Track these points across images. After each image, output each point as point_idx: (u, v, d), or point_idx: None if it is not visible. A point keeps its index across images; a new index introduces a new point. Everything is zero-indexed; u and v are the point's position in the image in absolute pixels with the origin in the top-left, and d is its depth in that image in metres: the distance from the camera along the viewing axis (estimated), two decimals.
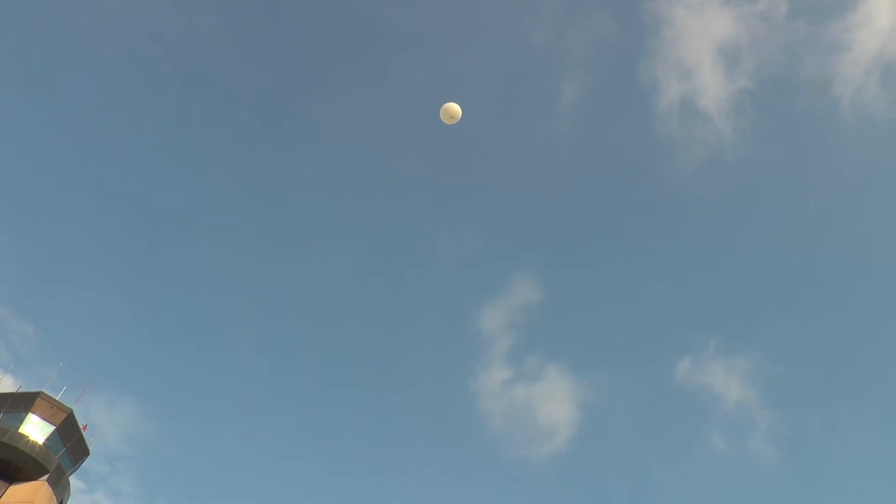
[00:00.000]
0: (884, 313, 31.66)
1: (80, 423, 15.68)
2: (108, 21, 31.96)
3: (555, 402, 33.59)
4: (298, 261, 34.41)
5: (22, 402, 15.14)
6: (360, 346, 34.44)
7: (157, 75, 32.92)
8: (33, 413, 15.01)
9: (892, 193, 31.27)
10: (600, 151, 33.50)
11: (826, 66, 30.17)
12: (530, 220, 34.15)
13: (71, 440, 15.44)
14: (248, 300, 33.91)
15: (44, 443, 14.86)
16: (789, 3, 30.86)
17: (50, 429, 15.05)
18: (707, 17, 32.22)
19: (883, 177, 30.86)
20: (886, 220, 30.74)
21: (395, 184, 34.06)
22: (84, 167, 32.63)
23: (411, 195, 34.30)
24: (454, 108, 11.45)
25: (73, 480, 15.84)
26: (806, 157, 32.41)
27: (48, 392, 15.43)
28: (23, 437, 14.65)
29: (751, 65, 30.84)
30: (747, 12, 31.40)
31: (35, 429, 14.94)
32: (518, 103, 33.66)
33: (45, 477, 14.71)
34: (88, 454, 15.93)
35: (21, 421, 14.92)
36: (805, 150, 31.74)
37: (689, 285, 34.08)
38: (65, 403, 15.50)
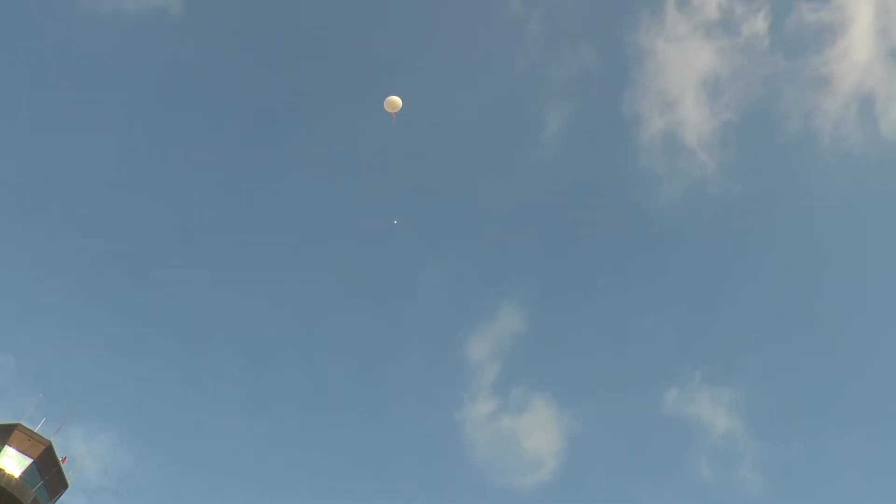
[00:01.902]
0: (868, 341, 31.94)
1: (59, 455, 15.42)
2: (91, 42, 32.15)
3: (541, 432, 33.47)
4: (282, 286, 34.34)
5: None
6: (344, 374, 34.28)
7: (139, 101, 33.06)
8: (10, 445, 14.71)
9: (870, 224, 31.78)
10: (585, 182, 33.86)
11: (805, 100, 30.78)
12: (517, 249, 34.34)
13: (49, 473, 15.15)
14: (232, 327, 33.73)
15: (20, 476, 14.56)
16: (770, 36, 31.50)
17: (27, 461, 14.76)
18: (689, 49, 32.79)
19: (861, 208, 31.37)
20: (866, 249, 31.16)
21: (381, 209, 34.09)
22: (63, 194, 32.53)
23: (399, 220, 34.26)
24: (395, 100, 14.48)
25: None
26: (786, 189, 32.91)
27: (26, 424, 15.17)
28: None
29: (732, 98, 31.40)
30: (728, 45, 32.01)
31: (12, 462, 14.64)
32: (504, 132, 34.03)
33: None
34: (67, 487, 15.62)
35: None
36: (785, 183, 32.28)
37: (675, 315, 34.27)
38: (43, 435, 15.23)
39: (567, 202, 34.24)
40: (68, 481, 15.61)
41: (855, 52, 31.40)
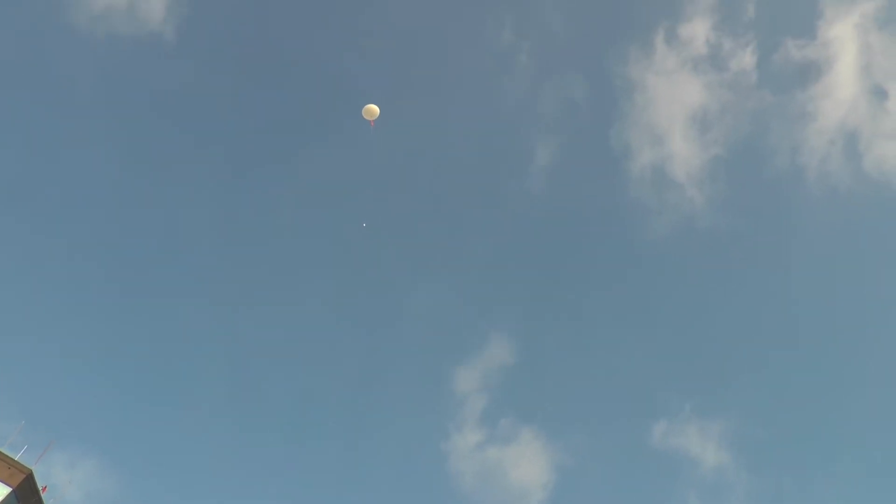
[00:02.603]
0: (857, 373, 32.03)
1: (40, 484, 15.23)
2: (86, 65, 32.23)
3: (528, 464, 33.28)
4: (269, 313, 34.18)
5: None
6: (330, 403, 34.08)
7: (131, 124, 33.06)
8: None
9: (855, 258, 32.11)
10: (574, 214, 34.04)
11: (792, 135, 31.22)
12: (505, 280, 34.39)
13: (29, 503, 14.97)
14: (217, 353, 33.51)
15: None
16: (757, 72, 31.97)
17: (6, 490, 14.54)
18: (677, 84, 33.22)
19: (846, 243, 31.72)
20: (851, 283, 31.42)
21: (370, 238, 34.17)
22: (50, 218, 32.40)
23: (386, 249, 34.44)
24: (373, 108, 15.82)
25: None
26: (773, 223, 33.19)
27: (7, 452, 15.01)
28: None
29: (720, 132, 31.79)
30: (716, 80, 32.47)
31: None
32: (493, 162, 34.23)
33: None
34: None
35: None
36: (773, 217, 32.55)
37: (664, 348, 34.31)
38: (24, 464, 15.06)
39: (556, 234, 34.45)
40: None
41: (840, 89, 31.95)
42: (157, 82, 32.85)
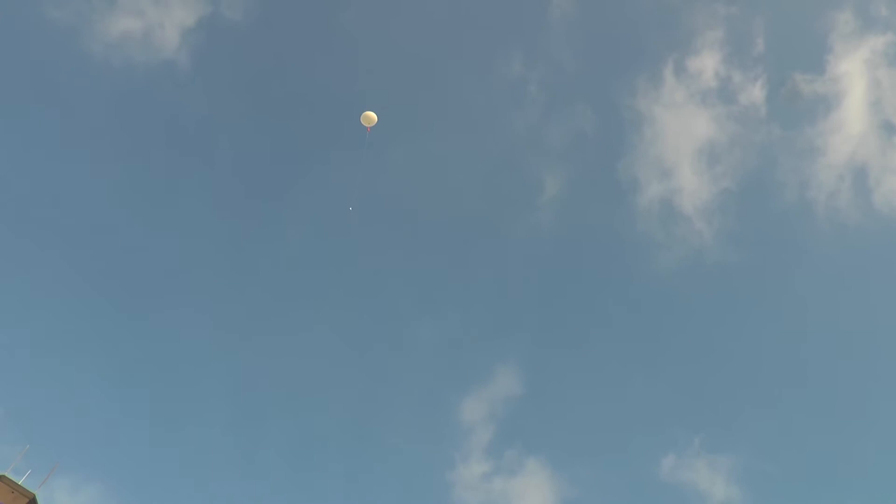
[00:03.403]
0: (867, 408, 31.67)
1: None
2: (97, 94, 32.69)
3: (534, 495, 32.90)
4: (274, 340, 34.19)
5: None
6: (335, 433, 33.88)
7: (142, 153, 33.42)
8: None
9: (864, 294, 31.94)
10: (582, 246, 34.03)
11: (801, 170, 31.27)
12: (513, 311, 34.29)
13: None
14: (222, 379, 33.43)
15: None
16: (766, 106, 32.09)
17: None
18: (686, 116, 33.36)
19: (855, 279, 31.60)
20: (860, 320, 31.28)
21: (377, 267, 34.27)
22: (59, 243, 32.61)
23: (393, 279, 34.50)
24: (371, 115, 16.48)
25: None
26: (782, 258, 33.07)
27: (11, 476, 15.06)
28: None
29: (729, 166, 31.82)
30: (725, 113, 32.60)
31: None
32: (500, 193, 34.35)
33: None
34: None
35: None
36: (781, 252, 32.47)
37: (673, 381, 34.04)
38: (28, 488, 15.11)
39: (563, 265, 34.41)
40: None
41: (849, 124, 31.99)
42: (171, 110, 33.33)
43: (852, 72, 33.62)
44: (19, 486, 14.95)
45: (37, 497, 15.00)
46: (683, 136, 33.24)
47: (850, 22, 33.29)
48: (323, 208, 35.81)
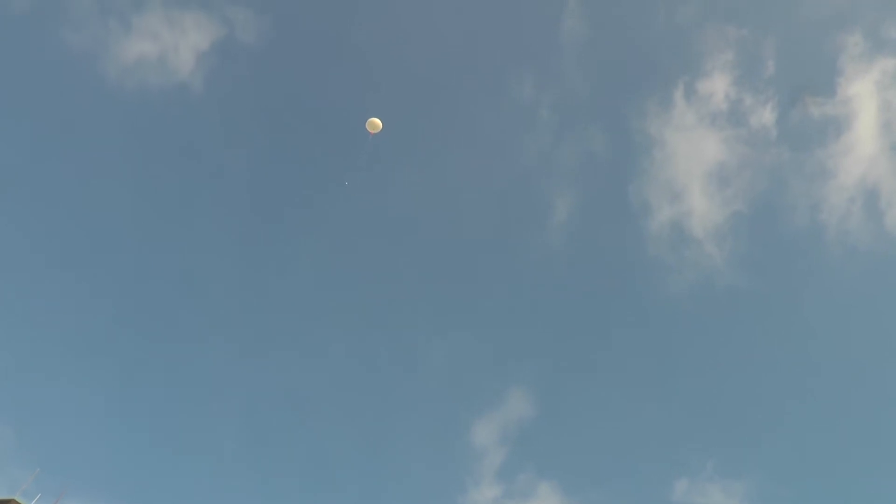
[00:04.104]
0: (881, 431, 31.27)
1: None
2: (117, 118, 33.10)
3: None
4: (284, 362, 34.26)
5: None
6: (345, 456, 33.81)
7: (153, 170, 33.73)
8: None
9: (876, 318, 31.67)
10: (593, 269, 33.96)
11: (811, 192, 31.17)
12: (524, 334, 34.23)
13: None
14: (233, 402, 33.51)
15: None
16: (777, 128, 32.06)
17: None
18: (696, 139, 33.36)
19: (867, 303, 31.33)
20: (873, 343, 31.02)
21: (387, 289, 34.35)
22: (73, 264, 32.90)
23: (404, 301, 34.56)
24: (376, 122, 16.88)
25: None
26: (793, 282, 32.87)
27: (20, 499, 15.17)
28: None
29: (739, 189, 31.75)
30: (736, 136, 32.58)
31: None
32: (511, 216, 34.42)
33: None
34: None
35: None
36: (792, 276, 32.27)
37: (685, 405, 33.80)
38: None
39: (574, 288, 34.35)
40: None
41: (859, 146, 31.86)
42: (186, 132, 33.69)
43: (863, 94, 33.57)
44: None
45: None
46: (694, 158, 33.27)
47: (860, 44, 33.30)
48: (337, 229, 36.07)
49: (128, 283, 33.43)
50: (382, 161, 35.81)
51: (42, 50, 33.09)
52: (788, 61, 33.81)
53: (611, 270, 34.10)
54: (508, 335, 35.43)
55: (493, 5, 34.36)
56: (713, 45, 34.46)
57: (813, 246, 32.23)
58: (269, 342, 34.44)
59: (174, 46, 35.07)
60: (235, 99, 36.18)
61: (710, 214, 34.47)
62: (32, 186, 32.91)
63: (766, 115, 32.56)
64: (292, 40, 35.37)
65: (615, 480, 35.39)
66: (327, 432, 35.68)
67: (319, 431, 36.13)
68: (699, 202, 34.35)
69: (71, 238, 33.72)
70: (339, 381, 34.54)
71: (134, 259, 33.78)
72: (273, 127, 35.20)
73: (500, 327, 35.63)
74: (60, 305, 33.28)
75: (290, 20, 34.48)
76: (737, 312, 32.96)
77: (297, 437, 35.16)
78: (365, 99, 34.51)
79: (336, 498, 34.09)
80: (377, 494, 34.39)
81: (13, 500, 15.05)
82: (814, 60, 35.06)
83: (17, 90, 31.65)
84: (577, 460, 36.79)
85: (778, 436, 34.36)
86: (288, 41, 35.34)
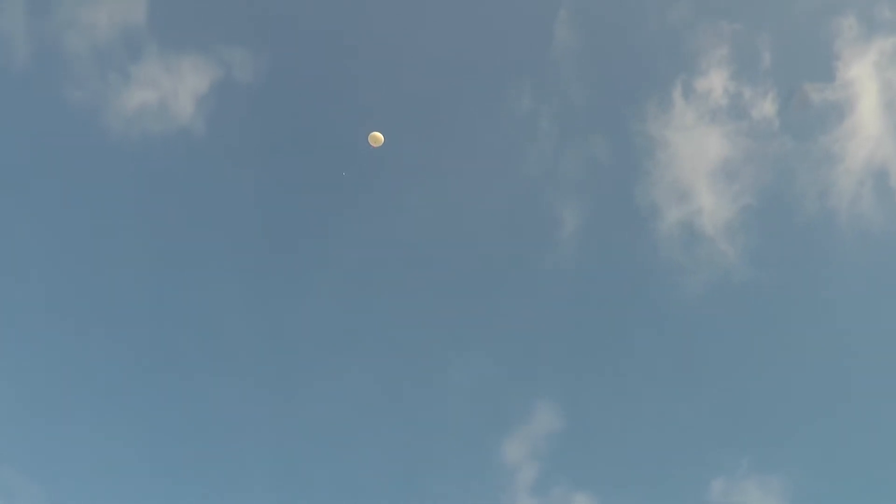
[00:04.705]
0: None
1: None
2: (118, 168, 33.40)
3: None
4: (307, 394, 34.21)
5: None
6: (378, 482, 33.70)
7: (162, 221, 34.00)
8: None
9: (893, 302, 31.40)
10: (607, 276, 33.76)
11: (819, 179, 31.00)
12: (544, 347, 34.06)
13: None
14: (258, 440, 33.45)
15: None
16: (779, 119, 31.98)
17: None
18: (699, 137, 33.27)
19: (888, 284, 31.04)
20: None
21: (402, 313, 34.38)
22: (79, 309, 33.06)
23: (420, 325, 34.54)
24: (378, 136, 16.89)
25: None
26: (809, 270, 32.58)
27: None
28: None
29: (746, 182, 31.64)
30: (738, 130, 32.49)
31: None
32: (520, 230, 34.38)
33: None
34: None
35: None
36: (808, 264, 32.00)
37: (714, 405, 33.45)
38: None
39: (590, 297, 34.15)
40: None
41: (863, 129, 31.64)
42: (191, 174, 33.94)
43: (862, 76, 33.37)
44: None
45: None
46: (698, 156, 33.14)
47: (855, 27, 33.15)
48: (347, 257, 36.04)
49: (142, 330, 33.55)
50: (388, 185, 35.96)
51: (44, 108, 33.50)
52: (784, 51, 33.72)
53: (625, 276, 33.94)
54: (529, 349, 35.29)
55: (483, 21, 34.47)
56: (707, 42, 34.41)
57: (826, 232, 32.01)
58: (289, 377, 34.39)
59: (174, 92, 35.36)
60: (238, 137, 36.34)
61: (720, 211, 34.32)
62: (43, 242, 33.28)
63: (766, 107, 32.45)
64: (289, 74, 35.55)
65: (650, 486, 35.08)
66: (357, 462, 35.56)
67: (349, 462, 36.02)
68: (707, 199, 34.21)
69: (84, 289, 33.96)
70: (363, 410, 34.44)
71: (148, 304, 33.89)
72: (277, 161, 35.35)
73: (521, 342, 35.50)
74: (77, 357, 33.45)
75: (285, 54, 34.70)
76: (756, 306, 32.70)
77: (327, 470, 35.07)
78: (366, 124, 34.57)
79: None
80: None
81: None
82: (810, 48, 34.92)
83: (22, 151, 32.08)
84: (611, 469, 36.50)
85: (810, 427, 33.95)
86: (285, 75, 35.52)
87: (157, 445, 32.90)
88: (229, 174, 34.95)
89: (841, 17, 33.27)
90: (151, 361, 33.34)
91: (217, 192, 34.59)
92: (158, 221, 33.98)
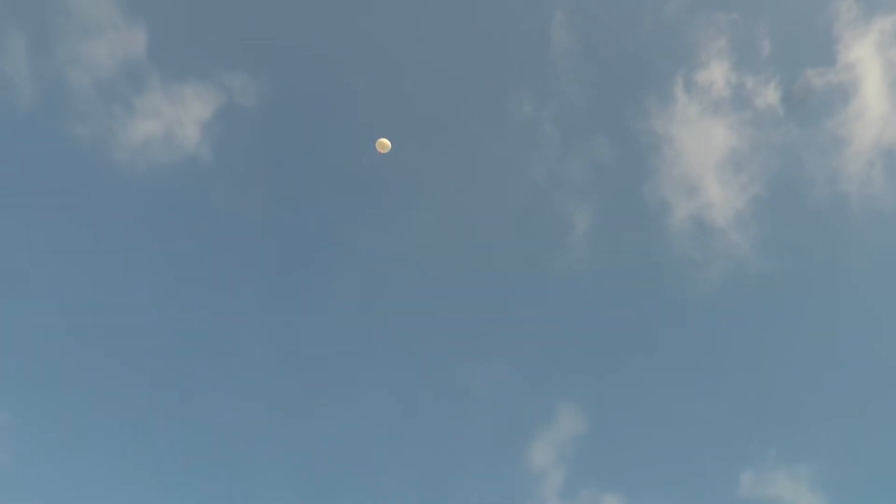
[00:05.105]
0: None
1: None
2: (127, 201, 33.63)
3: None
4: (327, 412, 34.21)
5: None
6: (402, 497, 33.68)
7: (173, 248, 34.21)
8: None
9: None
10: (621, 276, 33.65)
11: (828, 163, 30.83)
12: (563, 350, 33.98)
13: None
14: (280, 464, 33.59)
15: None
16: (783, 106, 31.83)
17: None
18: (703, 130, 33.17)
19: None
20: None
21: (418, 325, 34.39)
22: (93, 341, 33.35)
23: (437, 336, 34.55)
24: (386, 143, 17.23)
25: None
26: (824, 256, 32.37)
27: None
28: None
29: (755, 172, 31.48)
30: (742, 120, 32.33)
31: None
32: (530, 236, 34.34)
33: None
34: None
35: None
36: (822, 250, 31.79)
37: (736, 397, 33.29)
38: None
39: (606, 297, 34.07)
40: None
41: (869, 110, 31.41)
42: (199, 201, 34.14)
43: (864, 57, 33.19)
44: None
45: None
46: (704, 149, 33.02)
47: (853, 8, 32.99)
48: (357, 275, 36.26)
49: (158, 357, 33.76)
50: (396, 199, 36.08)
51: (51, 146, 33.91)
52: (784, 38, 33.60)
53: (639, 274, 33.85)
54: (548, 354, 35.24)
55: (478, 30, 34.55)
56: (705, 34, 34.36)
57: (839, 216, 31.83)
58: (308, 396, 34.49)
59: (178, 121, 35.69)
60: (244, 160, 36.63)
61: (730, 202, 34.18)
62: (59, 276, 33.60)
63: (769, 95, 32.33)
64: (290, 93, 35.82)
65: (679, 483, 34.91)
66: (381, 477, 35.58)
67: (373, 478, 36.04)
68: (717, 192, 34.07)
69: (99, 321, 34.27)
70: (384, 424, 34.45)
71: (164, 330, 34.14)
72: (283, 181, 35.60)
73: (539, 347, 35.46)
74: (93, 383, 33.74)
75: (285, 76, 34.95)
76: (772, 296, 32.55)
77: (352, 487, 35.12)
78: (370, 139, 34.76)
79: None
80: None
81: None
82: (809, 32, 34.80)
83: (33, 189, 32.48)
84: (638, 468, 36.36)
85: (835, 414, 33.72)
86: (286, 96, 35.83)
87: (176, 469, 32.98)
88: (238, 197, 35.21)
89: None
90: (168, 387, 33.44)
91: (227, 216, 34.80)
92: (171, 248, 34.19)
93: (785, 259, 31.94)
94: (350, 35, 34.66)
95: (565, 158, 34.21)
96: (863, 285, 31.95)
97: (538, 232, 34.60)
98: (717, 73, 33.22)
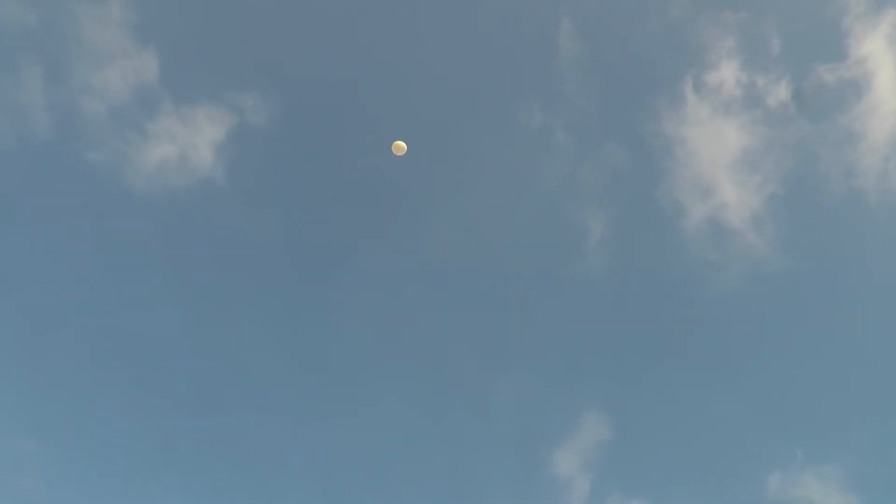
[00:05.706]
0: None
1: None
2: (145, 225, 33.87)
3: None
4: (349, 425, 34.15)
5: None
6: None
7: (190, 267, 34.35)
8: None
9: None
10: (639, 280, 33.53)
11: (843, 159, 30.61)
12: (585, 357, 33.86)
13: None
14: (299, 477, 33.60)
15: None
16: (795, 103, 31.67)
17: None
18: (715, 130, 33.04)
19: None
20: None
21: (438, 337, 34.38)
22: (114, 364, 33.46)
23: (457, 347, 34.51)
24: (402, 145, 17.39)
25: None
26: (843, 253, 32.13)
27: None
28: None
29: (769, 171, 31.34)
30: (754, 119, 32.21)
31: None
32: (547, 243, 34.29)
33: None
34: None
35: None
36: (840, 247, 31.57)
37: (760, 399, 32.99)
38: None
39: (625, 302, 33.89)
40: None
41: (882, 104, 31.18)
42: (216, 222, 34.35)
43: (876, 50, 32.95)
44: None
45: None
46: (717, 150, 32.88)
47: (862, 2, 32.74)
48: (374, 289, 36.27)
49: (177, 377, 33.86)
50: (412, 212, 36.12)
51: (68, 172, 34.29)
52: (793, 35, 33.45)
53: (657, 278, 33.66)
54: (569, 361, 35.08)
55: (487, 40, 34.67)
56: (713, 34, 34.26)
57: (856, 212, 31.54)
58: (329, 410, 34.50)
59: (192, 144, 36.02)
60: (258, 179, 36.82)
61: (745, 202, 33.96)
62: (77, 301, 33.90)
63: (781, 93, 32.15)
64: (301, 112, 36.06)
65: (706, 486, 34.55)
66: (406, 489, 35.52)
67: (398, 490, 35.98)
68: (731, 192, 33.87)
69: (120, 340, 34.42)
70: (407, 436, 34.40)
71: (182, 353, 34.21)
72: (297, 198, 35.74)
73: (560, 355, 35.29)
74: (117, 415, 33.88)
75: (295, 94, 35.20)
76: (791, 295, 32.26)
77: (374, 499, 35.07)
78: (382, 153, 34.82)
79: None
80: None
81: None
82: (818, 28, 34.61)
83: (51, 217, 32.81)
84: (664, 472, 36.03)
85: (861, 412, 33.30)
86: (297, 114, 36.04)
87: (200, 484, 33.03)
88: (253, 215, 35.37)
89: None
90: (190, 405, 33.62)
91: (242, 234, 34.97)
92: (188, 269, 34.39)
93: (804, 257, 31.72)
94: (359, 51, 34.85)
95: (578, 165, 34.19)
96: (884, 280, 31.63)
97: (555, 239, 34.56)
98: (726, 73, 33.12)
